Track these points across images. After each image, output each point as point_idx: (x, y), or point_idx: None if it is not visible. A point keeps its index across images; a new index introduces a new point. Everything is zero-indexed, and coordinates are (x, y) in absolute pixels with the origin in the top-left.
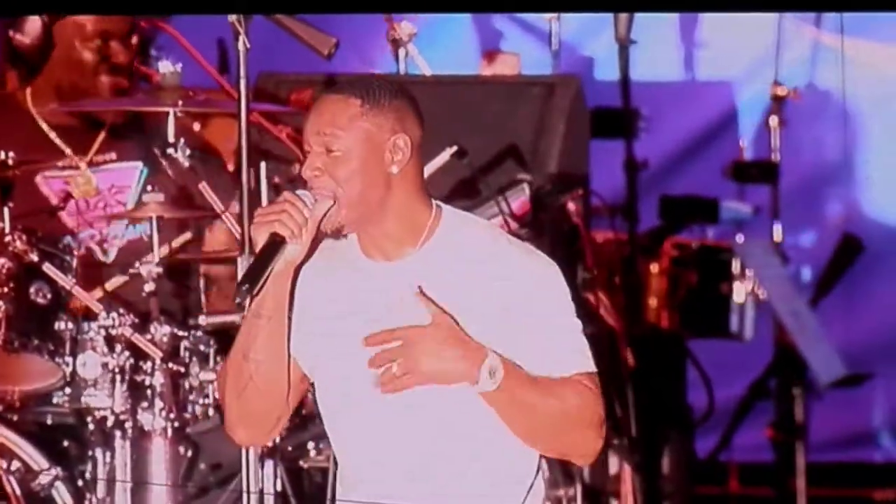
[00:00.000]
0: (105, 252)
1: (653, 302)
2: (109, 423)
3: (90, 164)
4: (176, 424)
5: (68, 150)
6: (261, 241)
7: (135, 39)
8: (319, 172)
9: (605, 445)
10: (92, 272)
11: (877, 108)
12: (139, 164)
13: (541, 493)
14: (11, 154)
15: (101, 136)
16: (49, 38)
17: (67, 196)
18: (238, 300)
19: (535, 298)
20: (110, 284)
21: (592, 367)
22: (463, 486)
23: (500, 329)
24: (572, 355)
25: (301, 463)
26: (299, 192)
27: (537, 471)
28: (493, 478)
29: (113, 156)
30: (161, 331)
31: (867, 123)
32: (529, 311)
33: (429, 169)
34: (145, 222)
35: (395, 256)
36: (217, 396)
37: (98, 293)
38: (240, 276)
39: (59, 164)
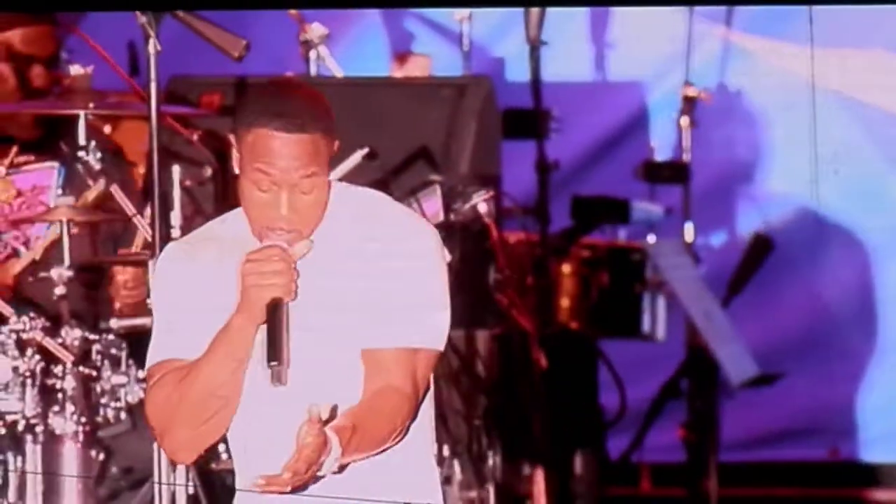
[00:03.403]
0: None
1: (564, 303)
2: (20, 427)
3: (10, 166)
4: (87, 428)
5: None
6: (261, 303)
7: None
8: (294, 215)
9: (518, 447)
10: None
11: (785, 108)
12: (56, 163)
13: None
14: None
15: (15, 147)
16: None
17: None
18: (275, 381)
19: (399, 257)
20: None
21: (422, 343)
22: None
23: (364, 290)
24: (407, 326)
25: (212, 465)
26: (273, 238)
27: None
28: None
29: (31, 157)
30: (72, 334)
31: (775, 122)
32: (391, 271)
33: (340, 171)
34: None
35: None
36: (129, 401)
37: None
38: (266, 357)
39: None
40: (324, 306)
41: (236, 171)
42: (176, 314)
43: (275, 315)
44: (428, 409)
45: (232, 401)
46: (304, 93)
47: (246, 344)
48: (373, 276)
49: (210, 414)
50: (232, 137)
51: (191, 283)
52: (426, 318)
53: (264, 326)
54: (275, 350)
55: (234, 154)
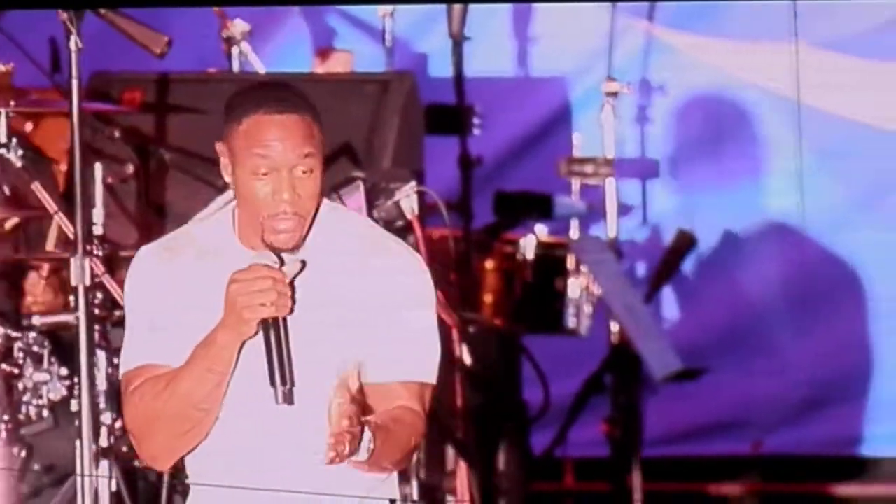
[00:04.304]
0: None
1: (488, 298)
2: None
3: None
4: (9, 426)
5: None
6: (254, 323)
7: None
8: (296, 197)
9: (441, 442)
10: None
11: (709, 102)
12: None
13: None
14: None
15: None
16: None
17: None
18: (283, 401)
19: (398, 292)
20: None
21: (428, 378)
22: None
23: (364, 322)
24: (413, 361)
25: (135, 463)
26: (262, 259)
27: None
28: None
29: None
30: None
31: (699, 118)
32: (392, 305)
33: None
34: None
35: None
36: (51, 399)
37: None
38: (269, 377)
39: None
40: (319, 329)
41: (227, 179)
42: (152, 319)
43: (271, 333)
44: None
45: (212, 412)
46: (288, 84)
47: (229, 360)
48: (374, 307)
49: (190, 426)
50: (219, 146)
51: (168, 288)
52: (430, 355)
53: (257, 342)
54: (280, 370)
55: (223, 162)
